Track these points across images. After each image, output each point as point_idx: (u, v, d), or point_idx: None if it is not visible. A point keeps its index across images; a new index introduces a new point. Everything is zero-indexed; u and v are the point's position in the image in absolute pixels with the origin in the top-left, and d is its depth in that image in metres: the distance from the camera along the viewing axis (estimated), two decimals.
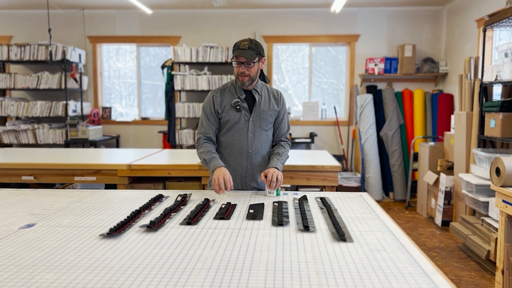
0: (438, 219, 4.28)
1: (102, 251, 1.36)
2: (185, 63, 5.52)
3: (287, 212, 1.82)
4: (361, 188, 5.45)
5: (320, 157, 3.79)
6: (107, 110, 6.11)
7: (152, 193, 2.23)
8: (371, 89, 5.76)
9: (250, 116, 2.27)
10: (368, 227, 1.63)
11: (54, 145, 5.58)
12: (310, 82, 6.19)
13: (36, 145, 5.61)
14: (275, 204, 1.96)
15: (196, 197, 2.14)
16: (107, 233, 1.51)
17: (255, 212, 1.82)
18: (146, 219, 1.72)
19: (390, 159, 5.57)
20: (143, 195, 2.19)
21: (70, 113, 5.55)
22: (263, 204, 1.98)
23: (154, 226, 1.59)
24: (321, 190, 3.67)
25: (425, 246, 3.80)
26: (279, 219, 1.69)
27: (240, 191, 2.28)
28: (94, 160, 3.69)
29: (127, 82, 6.36)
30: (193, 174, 3.38)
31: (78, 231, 1.57)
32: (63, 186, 4.21)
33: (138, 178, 3.52)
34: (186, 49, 5.41)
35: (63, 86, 5.47)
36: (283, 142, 2.37)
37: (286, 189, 3.62)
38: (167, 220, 1.70)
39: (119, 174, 3.37)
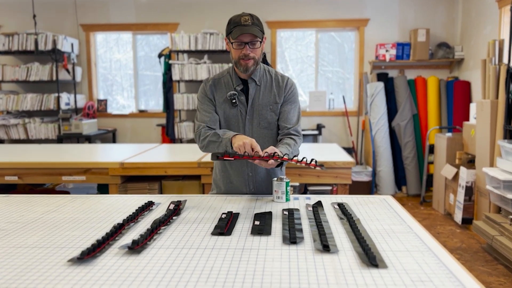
0: (458, 217, 3.97)
1: (67, 284, 1.06)
2: (183, 52, 5.18)
3: (300, 224, 1.51)
4: (372, 183, 5.13)
5: (330, 151, 3.48)
6: (103, 102, 5.80)
7: (142, 199, 1.93)
8: (382, 77, 5.41)
9: (246, 112, 1.91)
10: (402, 245, 1.31)
11: (46, 140, 5.29)
12: (316, 70, 5.84)
13: (28, 140, 5.32)
14: (284, 212, 1.65)
15: (192, 203, 1.83)
16: (78, 258, 1.20)
17: (262, 224, 1.51)
18: (129, 236, 1.41)
19: (403, 151, 5.25)
20: (132, 202, 1.88)
21: (63, 106, 5.24)
22: (270, 212, 1.67)
23: (136, 247, 1.28)
24: (332, 188, 3.36)
25: (446, 247, 3.49)
26: (292, 234, 1.38)
27: (244, 196, 1.97)
28: (85, 157, 3.39)
29: (128, 74, 6.04)
30: (192, 173, 3.08)
31: (44, 253, 1.27)
32: (54, 185, 3.93)
33: (132, 177, 3.22)
34: (184, 36, 5.07)
35: (54, 78, 5.16)
36: (292, 135, 1.89)
37: (294, 188, 3.31)
38: (154, 236, 1.40)
39: (111, 173, 3.08)
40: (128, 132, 5.80)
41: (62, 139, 5.14)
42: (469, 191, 3.88)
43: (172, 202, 1.76)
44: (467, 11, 5.17)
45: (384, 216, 1.63)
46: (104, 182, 3.13)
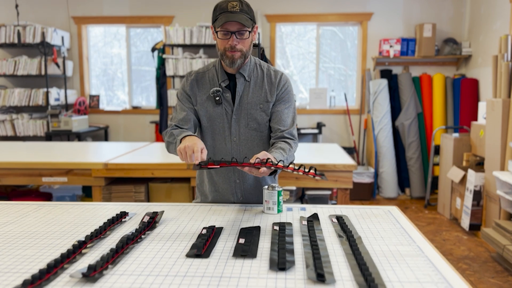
0: (465, 222, 3.75)
1: None
2: (177, 45, 4.96)
3: (292, 244, 1.30)
4: (374, 184, 4.91)
5: (330, 153, 3.25)
6: (95, 98, 5.58)
7: (116, 208, 1.71)
8: (385, 74, 5.18)
9: (232, 111, 1.68)
10: (412, 273, 1.10)
11: (34, 138, 5.07)
12: (317, 66, 5.61)
13: (15, 137, 5.10)
14: (275, 228, 1.44)
15: (171, 214, 1.62)
16: None
17: (247, 243, 1.29)
18: (89, 257, 1.20)
19: (407, 152, 5.02)
20: (104, 211, 1.67)
21: (52, 102, 5.02)
22: (258, 227, 1.45)
23: (93, 273, 1.07)
24: (332, 193, 3.15)
25: (453, 255, 3.27)
26: (280, 258, 1.16)
27: (231, 205, 1.75)
28: (68, 156, 3.18)
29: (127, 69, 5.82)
30: (181, 175, 2.87)
31: None
32: (37, 186, 3.72)
33: (117, 179, 3.01)
34: (178, 30, 4.84)
35: (43, 72, 4.94)
36: (287, 139, 1.68)
37: (291, 192, 3.10)
38: (118, 258, 1.18)
39: (94, 174, 2.87)
40: (121, 129, 5.59)
41: (51, 136, 4.93)
42: (478, 195, 3.65)
43: (147, 214, 1.54)
44: (476, 5, 4.93)
45: (389, 233, 1.41)
46: (86, 184, 2.93)
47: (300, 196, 3.20)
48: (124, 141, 5.50)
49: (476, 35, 4.92)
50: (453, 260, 3.18)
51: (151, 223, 1.48)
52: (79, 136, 4.95)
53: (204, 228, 1.42)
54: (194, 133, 1.73)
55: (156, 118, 5.42)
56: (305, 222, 1.50)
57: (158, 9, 5.37)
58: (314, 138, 5.33)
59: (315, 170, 1.44)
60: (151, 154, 3.34)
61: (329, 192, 3.11)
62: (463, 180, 3.84)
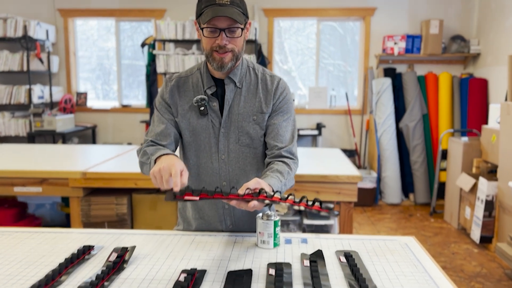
0: (476, 234, 3.49)
1: None
2: (169, 41, 4.66)
3: None
4: (376, 190, 4.65)
5: (332, 161, 2.98)
6: (82, 95, 5.28)
7: (81, 239, 1.44)
8: (389, 72, 4.91)
9: (220, 123, 1.42)
10: None
11: (16, 138, 4.78)
12: (317, 64, 5.32)
13: None
14: (270, 272, 1.17)
15: (146, 249, 1.34)
16: None
17: None
18: None
19: (411, 155, 4.76)
20: (66, 243, 1.39)
21: (35, 100, 4.72)
22: (250, 271, 1.18)
23: None
24: (334, 205, 2.88)
25: (464, 272, 3.01)
26: None
27: (218, 235, 1.47)
28: (45, 163, 2.89)
29: (124, 64, 5.51)
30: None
31: None
32: (13, 196, 3.42)
33: (97, 188, 2.73)
34: (170, 24, 4.54)
35: (25, 68, 4.63)
36: (285, 159, 1.41)
37: (289, 207, 2.83)
38: None
39: (71, 184, 2.60)
40: (109, 129, 5.29)
41: (34, 136, 4.64)
42: (490, 205, 3.40)
43: (114, 250, 1.27)
44: (486, 0, 4.65)
45: (411, 279, 1.14)
46: (63, 194, 2.66)
47: (299, 211, 2.93)
48: (113, 142, 5.23)
49: (485, 32, 4.65)
50: (465, 278, 2.93)
51: (118, 263, 1.21)
52: (64, 137, 4.66)
53: (182, 271, 1.15)
54: (175, 149, 1.46)
55: (147, 117, 5.14)
56: (307, 263, 1.23)
57: (149, 2, 5.07)
58: (313, 140, 5.07)
59: (321, 203, 1.17)
60: (136, 160, 3.05)
61: (331, 206, 2.85)
62: (473, 188, 3.58)
